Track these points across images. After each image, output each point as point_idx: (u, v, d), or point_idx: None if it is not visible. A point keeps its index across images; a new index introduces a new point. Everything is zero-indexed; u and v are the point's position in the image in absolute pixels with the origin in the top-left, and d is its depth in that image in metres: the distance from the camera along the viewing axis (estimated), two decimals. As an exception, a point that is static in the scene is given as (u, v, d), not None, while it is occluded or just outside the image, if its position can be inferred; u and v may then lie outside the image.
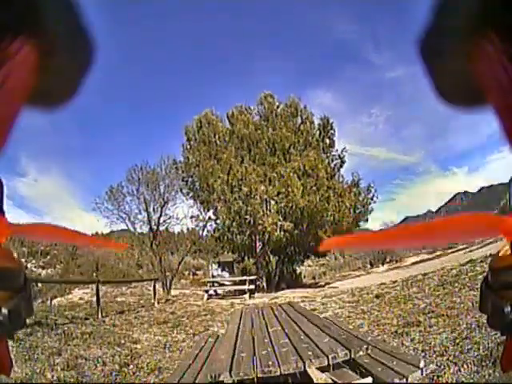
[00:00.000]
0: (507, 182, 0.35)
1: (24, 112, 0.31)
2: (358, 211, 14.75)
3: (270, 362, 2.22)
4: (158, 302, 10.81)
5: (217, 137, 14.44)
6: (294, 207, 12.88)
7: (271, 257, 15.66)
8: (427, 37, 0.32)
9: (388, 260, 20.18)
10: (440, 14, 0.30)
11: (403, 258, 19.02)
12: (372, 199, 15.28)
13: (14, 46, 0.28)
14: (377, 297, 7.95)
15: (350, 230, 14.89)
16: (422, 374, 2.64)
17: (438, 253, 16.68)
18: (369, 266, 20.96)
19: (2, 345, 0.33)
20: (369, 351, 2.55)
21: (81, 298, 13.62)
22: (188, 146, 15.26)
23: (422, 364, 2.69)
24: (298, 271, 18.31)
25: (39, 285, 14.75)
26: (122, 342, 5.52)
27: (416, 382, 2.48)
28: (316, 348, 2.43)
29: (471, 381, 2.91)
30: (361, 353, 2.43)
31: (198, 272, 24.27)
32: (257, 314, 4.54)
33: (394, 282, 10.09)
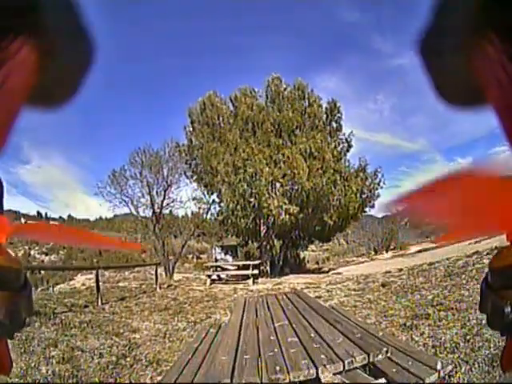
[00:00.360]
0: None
1: (24, 112, 0.31)
2: (364, 196, 14.43)
3: (278, 368, 1.98)
4: (160, 287, 10.68)
5: (221, 119, 14.04)
6: (299, 190, 12.52)
7: (275, 241, 15.41)
8: (427, 36, 0.32)
9: (392, 247, 20.04)
10: (440, 13, 0.30)
11: (407, 246, 18.74)
12: (379, 184, 14.86)
13: (13, 46, 0.28)
14: (383, 285, 7.76)
15: (355, 215, 14.62)
16: (438, 377, 2.44)
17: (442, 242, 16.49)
18: (373, 252, 20.82)
19: (2, 345, 0.33)
20: (388, 354, 2.32)
21: (83, 284, 13.61)
22: (191, 129, 14.87)
23: (439, 366, 2.48)
24: (301, 256, 18.17)
25: (42, 272, 14.74)
26: (121, 331, 5.35)
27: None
28: (330, 350, 2.19)
29: (482, 381, 2.75)
30: (380, 357, 2.20)
31: (201, 256, 24.28)
32: (261, 304, 4.34)
33: (400, 270, 9.89)
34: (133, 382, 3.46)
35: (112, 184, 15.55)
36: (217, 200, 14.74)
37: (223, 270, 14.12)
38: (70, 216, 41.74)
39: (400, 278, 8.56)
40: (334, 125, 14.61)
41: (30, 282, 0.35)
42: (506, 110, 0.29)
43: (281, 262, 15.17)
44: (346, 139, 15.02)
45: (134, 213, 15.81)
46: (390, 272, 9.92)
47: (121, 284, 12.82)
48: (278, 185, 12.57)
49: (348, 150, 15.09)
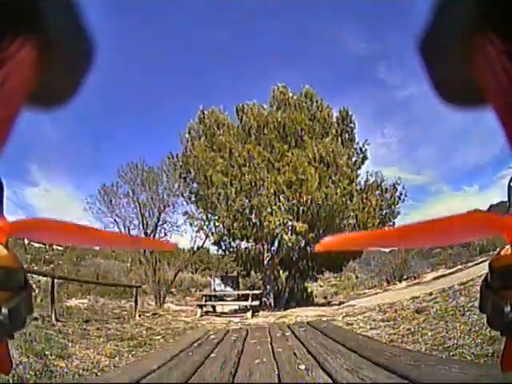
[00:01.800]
0: None
1: (24, 112, 0.31)
2: (383, 213, 12.51)
3: None
4: (140, 315, 8.98)
5: (221, 130, 12.50)
6: (308, 203, 10.55)
7: (281, 271, 13.84)
8: (427, 37, 0.32)
9: (405, 277, 18.26)
10: (440, 13, 0.30)
11: (421, 275, 17.08)
12: (400, 198, 12.83)
13: (13, 46, 0.28)
14: (418, 312, 6.03)
15: None
16: None
17: (460, 266, 15.15)
18: (385, 283, 18.84)
19: (2, 345, 0.33)
20: None
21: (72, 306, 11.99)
22: (187, 136, 13.28)
23: None
24: (309, 290, 16.34)
25: (35, 290, 13.25)
26: (48, 353, 3.80)
27: None
28: None
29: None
30: None
31: (204, 289, 22.80)
32: (252, 347, 2.52)
33: (430, 294, 8.15)
34: None
35: (103, 201, 14.12)
36: (213, 218, 12.84)
37: (219, 299, 12.29)
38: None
39: (435, 301, 6.83)
40: (347, 135, 12.89)
41: (30, 282, 0.34)
42: (506, 110, 0.28)
43: (286, 294, 13.28)
44: (361, 149, 13.22)
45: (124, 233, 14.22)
46: (417, 297, 8.13)
47: (113, 311, 11.09)
48: (282, 198, 10.74)
49: (363, 162, 13.25)
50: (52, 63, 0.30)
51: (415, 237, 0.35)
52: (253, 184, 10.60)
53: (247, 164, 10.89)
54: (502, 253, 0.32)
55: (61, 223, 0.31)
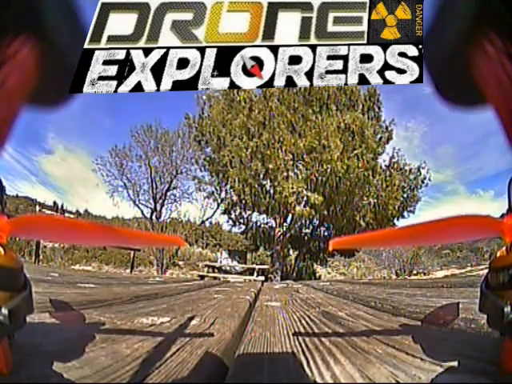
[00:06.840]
0: None
1: (24, 112, 0.31)
2: (405, 196, 11.61)
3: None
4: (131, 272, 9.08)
5: (241, 96, 11.66)
6: (328, 173, 9.62)
7: (291, 250, 13.39)
8: (428, 36, 0.32)
9: (415, 272, 17.58)
10: (441, 13, 0.30)
11: (431, 272, 17.14)
12: (423, 182, 11.80)
13: (13, 46, 0.28)
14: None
15: (393, 218, 11.72)
16: None
17: (469, 268, 15.51)
18: (394, 276, 18.16)
19: (2, 345, 0.33)
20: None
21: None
22: (204, 101, 12.45)
23: None
24: (318, 274, 16.01)
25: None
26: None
27: None
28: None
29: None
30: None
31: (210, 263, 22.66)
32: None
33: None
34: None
35: (114, 163, 13.70)
36: (223, 183, 11.99)
37: (222, 271, 12.06)
38: (86, 211, 40.15)
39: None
40: (372, 113, 11.93)
41: (30, 282, 0.35)
42: (506, 109, 0.28)
43: (294, 275, 12.74)
44: (387, 127, 12.16)
45: (133, 197, 13.94)
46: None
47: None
48: (300, 165, 9.93)
49: (388, 142, 12.15)
50: (52, 63, 0.29)
51: (419, 237, 0.36)
52: (270, 145, 9.84)
53: (267, 122, 10.16)
54: (502, 253, 0.32)
55: (64, 220, 0.31)
